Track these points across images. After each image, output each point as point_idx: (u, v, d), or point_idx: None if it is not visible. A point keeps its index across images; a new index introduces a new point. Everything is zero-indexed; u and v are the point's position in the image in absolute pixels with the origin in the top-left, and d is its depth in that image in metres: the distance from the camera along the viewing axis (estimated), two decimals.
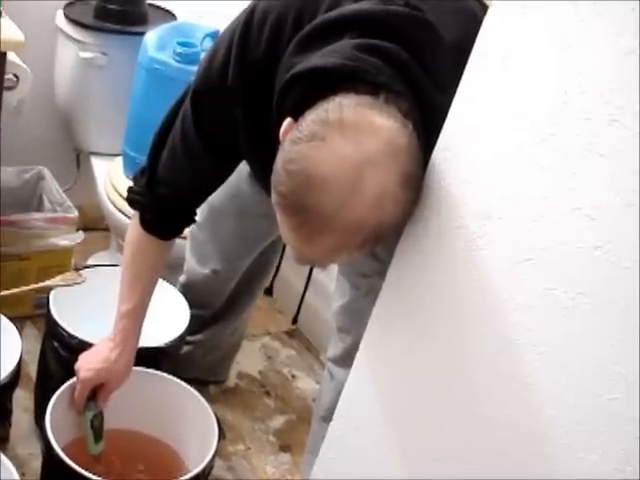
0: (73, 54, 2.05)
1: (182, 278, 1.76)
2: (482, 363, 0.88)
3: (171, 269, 1.58)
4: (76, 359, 1.40)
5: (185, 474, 1.34)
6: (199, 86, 1.19)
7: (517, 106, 0.80)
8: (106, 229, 2.24)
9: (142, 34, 1.92)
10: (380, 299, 1.03)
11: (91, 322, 1.49)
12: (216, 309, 1.77)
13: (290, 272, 2.19)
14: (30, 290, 1.67)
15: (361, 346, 1.07)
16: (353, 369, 1.09)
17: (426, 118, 0.94)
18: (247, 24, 1.10)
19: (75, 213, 2.03)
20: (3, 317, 1.56)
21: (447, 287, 0.92)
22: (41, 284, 1.63)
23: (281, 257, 1.91)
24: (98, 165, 2.16)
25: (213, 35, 1.90)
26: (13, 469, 1.24)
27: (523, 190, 0.80)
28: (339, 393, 1.13)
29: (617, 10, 0.70)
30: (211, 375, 1.93)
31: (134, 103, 1.95)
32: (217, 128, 1.19)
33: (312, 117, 0.90)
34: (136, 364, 1.43)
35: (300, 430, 1.93)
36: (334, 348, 1.54)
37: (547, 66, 0.76)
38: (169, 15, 2.20)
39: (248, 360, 2.14)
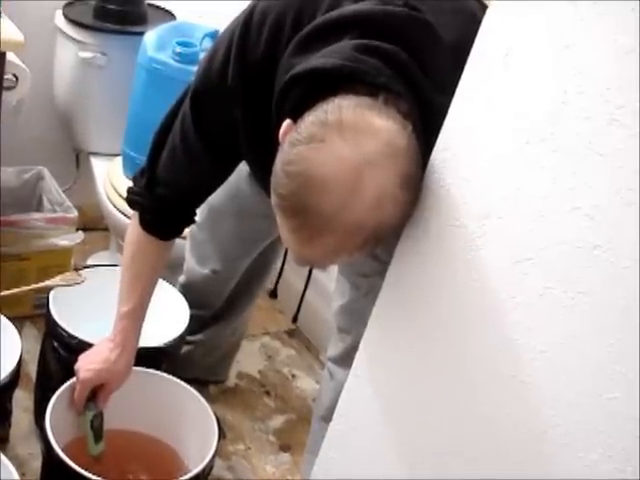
0: (72, 54, 2.05)
1: (182, 278, 1.76)
2: (482, 362, 0.88)
3: (171, 269, 1.58)
4: (76, 359, 1.40)
5: (185, 474, 1.34)
6: (199, 86, 1.19)
7: (516, 106, 0.80)
8: (106, 229, 2.24)
9: (141, 34, 1.92)
10: (380, 299, 1.03)
11: (91, 322, 1.49)
12: (216, 309, 1.77)
13: (290, 272, 2.19)
14: (30, 290, 1.67)
15: (361, 346, 1.07)
16: (353, 369, 1.09)
17: (426, 119, 0.94)
18: (246, 24, 1.10)
19: (75, 213, 2.03)
20: (3, 317, 1.56)
21: (447, 287, 0.92)
22: (41, 284, 1.63)
23: (284, 259, 1.92)
24: (98, 165, 2.16)
25: (212, 35, 1.90)
26: (13, 469, 1.24)
27: (523, 190, 0.80)
28: (339, 393, 1.13)
29: (617, 10, 0.70)
30: (211, 375, 1.93)
31: (133, 103, 1.95)
32: (217, 128, 1.19)
33: (311, 118, 0.90)
34: (136, 364, 1.43)
35: (300, 430, 1.93)
36: (334, 348, 1.54)
37: (546, 66, 0.76)
38: (168, 15, 2.20)
39: (248, 360, 2.14)
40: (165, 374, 1.52)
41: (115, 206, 1.97)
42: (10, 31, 1.57)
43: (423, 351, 0.97)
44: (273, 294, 2.33)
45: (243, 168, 1.35)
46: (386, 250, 1.04)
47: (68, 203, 2.06)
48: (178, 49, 1.84)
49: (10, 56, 1.62)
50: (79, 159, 2.29)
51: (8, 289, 1.61)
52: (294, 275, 2.19)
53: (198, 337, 1.77)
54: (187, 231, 1.54)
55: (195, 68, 1.24)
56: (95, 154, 2.20)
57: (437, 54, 1.00)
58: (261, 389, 2.08)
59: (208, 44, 1.83)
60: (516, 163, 0.80)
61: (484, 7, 1.05)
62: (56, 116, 2.21)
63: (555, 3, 0.75)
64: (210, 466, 1.38)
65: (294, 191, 0.88)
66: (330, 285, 1.68)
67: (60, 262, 1.99)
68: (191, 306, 1.67)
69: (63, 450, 1.28)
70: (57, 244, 1.99)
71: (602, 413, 0.74)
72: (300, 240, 0.92)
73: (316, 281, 2.13)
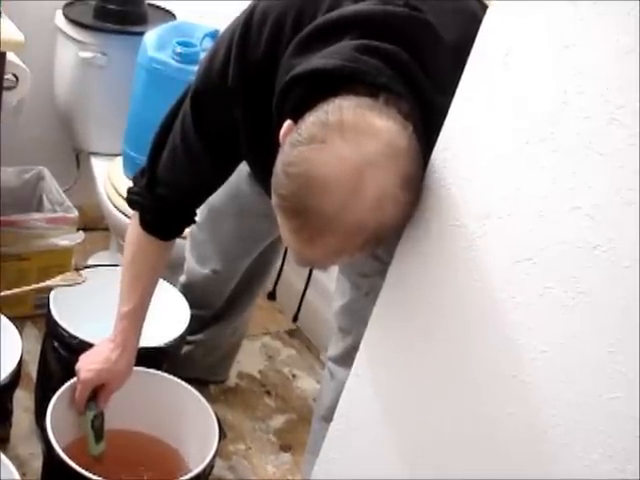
0: (73, 54, 2.05)
1: (182, 278, 1.76)
2: (482, 362, 0.88)
3: (171, 269, 1.58)
4: (76, 359, 1.40)
5: (186, 474, 1.34)
6: (199, 86, 1.19)
7: (516, 106, 0.80)
8: (106, 229, 2.24)
9: (142, 34, 1.92)
10: (380, 299, 1.03)
11: (91, 322, 1.49)
12: (216, 309, 1.77)
13: (290, 272, 2.19)
14: (30, 290, 1.67)
15: (361, 346, 1.07)
16: (353, 369, 1.09)
17: (426, 119, 0.94)
18: (247, 24, 1.10)
19: (75, 213, 2.03)
20: (3, 317, 1.56)
21: (447, 287, 0.92)
22: (41, 284, 1.63)
23: (283, 261, 1.91)
24: (98, 165, 2.16)
25: (213, 35, 1.90)
26: (14, 469, 1.24)
27: (523, 190, 0.80)
28: (339, 393, 1.13)
29: (617, 9, 0.70)
30: (211, 375, 1.93)
31: (134, 103, 1.95)
32: (217, 129, 1.19)
33: (312, 119, 0.90)
34: (137, 364, 1.43)
35: (301, 430, 1.93)
36: (335, 347, 1.54)
37: (546, 66, 0.77)
38: (169, 15, 2.20)
39: (248, 360, 2.14)
40: (166, 374, 1.52)
41: (115, 206, 1.97)
42: (10, 31, 1.57)
43: (423, 351, 0.97)
44: (272, 296, 2.32)
45: (243, 168, 1.35)
46: (387, 250, 1.04)
47: (68, 203, 2.07)
48: (178, 49, 1.84)
49: (10, 56, 1.62)
50: (79, 159, 2.29)
51: (9, 289, 1.61)
52: (294, 275, 2.19)
53: (198, 337, 1.77)
54: (187, 231, 1.54)
55: (195, 68, 1.24)
56: (95, 154, 2.20)
57: (438, 54, 1.00)
58: (262, 389, 2.08)
59: (208, 44, 1.83)
60: (516, 163, 0.80)
61: (485, 7, 1.05)
62: (56, 116, 2.21)
63: (555, 3, 0.75)
64: (211, 466, 1.38)
65: (295, 192, 0.88)
66: (330, 285, 1.68)
67: (60, 262, 1.99)
68: (191, 306, 1.67)
69: (64, 450, 1.29)
70: (57, 244, 1.99)
71: (602, 413, 0.74)
72: (301, 241, 0.92)
73: (316, 281, 2.12)
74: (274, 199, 0.92)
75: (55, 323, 1.52)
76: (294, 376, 2.15)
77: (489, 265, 0.85)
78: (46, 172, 2.15)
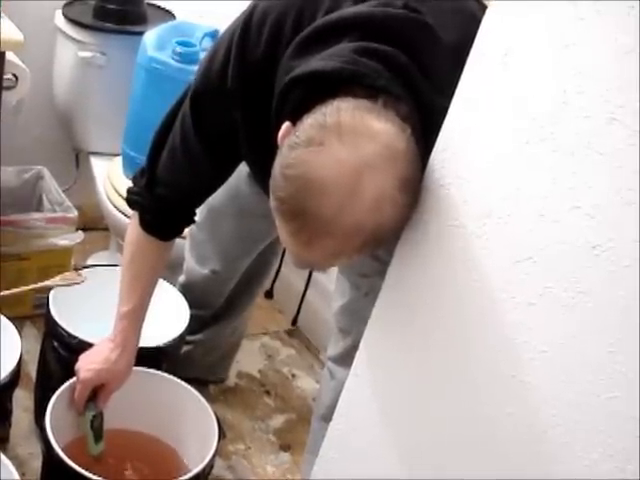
0: (72, 54, 2.05)
1: (182, 278, 1.76)
2: (482, 362, 0.88)
3: (171, 269, 1.58)
4: (76, 359, 1.40)
5: (185, 474, 1.34)
6: (199, 87, 1.19)
7: (516, 106, 0.80)
8: (106, 229, 2.24)
9: (141, 34, 1.92)
10: (380, 299, 1.03)
11: (91, 322, 1.49)
12: (216, 309, 1.77)
13: (290, 272, 2.19)
14: (30, 290, 1.67)
15: (361, 346, 1.07)
16: (353, 369, 1.09)
17: (425, 121, 0.94)
18: (246, 25, 1.10)
19: (75, 213, 2.03)
20: (3, 317, 1.56)
21: (447, 287, 0.92)
22: (41, 284, 1.63)
23: (281, 261, 1.92)
24: (97, 165, 2.16)
25: (212, 35, 1.90)
26: (13, 469, 1.24)
27: (523, 190, 0.80)
28: (339, 392, 1.13)
29: (616, 9, 0.70)
30: (211, 375, 1.93)
31: (133, 103, 1.95)
32: (217, 129, 1.19)
33: (310, 121, 0.89)
34: (136, 364, 1.43)
35: (300, 429, 1.93)
36: (334, 347, 1.54)
37: (546, 65, 0.76)
38: (168, 15, 2.20)
39: (248, 359, 2.14)
40: (165, 374, 1.52)
41: (115, 206, 1.97)
42: (10, 31, 1.57)
43: (423, 351, 0.97)
44: (269, 294, 2.33)
45: (243, 169, 1.35)
46: (386, 250, 1.04)
47: (68, 203, 2.07)
48: (178, 49, 1.84)
49: (10, 56, 1.62)
50: (79, 159, 2.29)
51: (8, 289, 1.61)
52: (294, 275, 2.19)
53: (198, 337, 1.77)
54: (187, 231, 1.54)
55: (195, 68, 1.24)
56: (95, 154, 2.20)
57: (437, 55, 1.00)
58: (261, 389, 2.08)
59: (208, 44, 1.84)
60: (516, 163, 0.80)
61: (484, 7, 1.05)
62: (56, 116, 2.21)
63: (555, 3, 0.75)
64: (210, 466, 1.38)
65: (293, 194, 0.88)
66: (330, 285, 1.68)
67: (60, 262, 1.99)
68: (191, 306, 1.67)
69: (63, 450, 1.29)
70: (57, 244, 1.99)
71: (602, 413, 0.74)
72: (299, 243, 0.92)
73: (316, 281, 2.13)
74: (272, 201, 0.92)
75: (54, 323, 1.52)
76: (293, 376, 2.15)
77: (488, 265, 0.85)
78: (46, 172, 2.15)
